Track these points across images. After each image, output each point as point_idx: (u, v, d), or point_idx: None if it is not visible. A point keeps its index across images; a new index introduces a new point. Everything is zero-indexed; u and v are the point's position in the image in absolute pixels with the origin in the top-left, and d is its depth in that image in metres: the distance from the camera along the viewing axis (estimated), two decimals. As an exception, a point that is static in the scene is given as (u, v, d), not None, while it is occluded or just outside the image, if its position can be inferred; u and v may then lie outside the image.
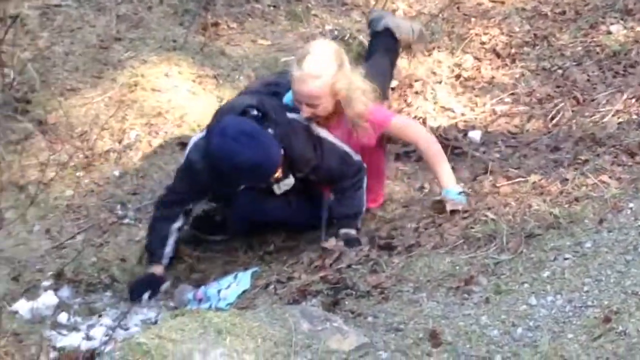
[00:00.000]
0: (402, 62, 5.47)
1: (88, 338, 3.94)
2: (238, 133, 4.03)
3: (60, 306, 4.15)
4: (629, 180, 3.92)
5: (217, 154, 4.07)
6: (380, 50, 5.02)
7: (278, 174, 4.20)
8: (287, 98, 4.41)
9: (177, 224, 4.43)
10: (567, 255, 3.49)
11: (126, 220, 4.80)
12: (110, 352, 3.04)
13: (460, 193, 4.23)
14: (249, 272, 4.24)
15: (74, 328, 4.03)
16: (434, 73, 5.53)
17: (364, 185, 4.44)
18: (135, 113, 5.27)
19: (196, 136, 4.43)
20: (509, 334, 3.14)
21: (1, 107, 5.15)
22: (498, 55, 5.63)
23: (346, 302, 3.67)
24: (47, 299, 4.15)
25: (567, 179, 4.09)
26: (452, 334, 3.18)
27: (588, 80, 5.10)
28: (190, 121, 5.31)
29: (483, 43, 5.74)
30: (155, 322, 3.96)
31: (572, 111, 4.85)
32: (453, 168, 4.47)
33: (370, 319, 3.45)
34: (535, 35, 5.72)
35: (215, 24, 6.08)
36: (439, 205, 4.23)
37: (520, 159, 4.54)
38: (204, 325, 3.03)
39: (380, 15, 5.14)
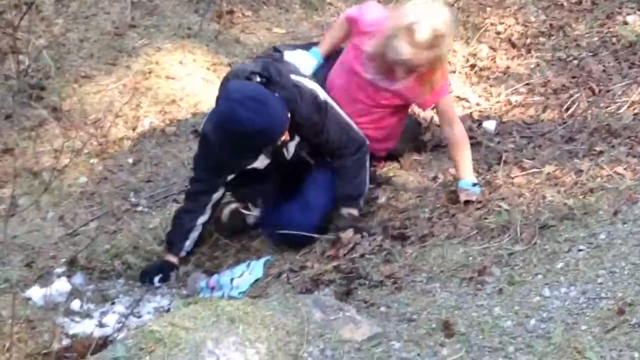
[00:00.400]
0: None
1: (101, 325, 3.95)
2: (243, 97, 3.98)
3: (73, 293, 4.15)
4: (644, 172, 3.90)
5: (224, 118, 4.02)
6: None
7: (285, 136, 4.16)
8: (314, 52, 4.47)
9: (202, 219, 4.43)
10: (581, 247, 3.47)
11: (139, 208, 4.81)
12: (123, 340, 3.04)
13: (474, 185, 4.22)
14: (261, 261, 4.24)
15: (86, 315, 4.04)
16: (449, 62, 5.50)
17: (367, 164, 4.41)
18: (149, 100, 5.28)
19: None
20: (522, 325, 3.12)
21: (16, 93, 5.17)
22: (513, 45, 5.60)
23: (359, 292, 3.67)
24: (60, 286, 4.16)
25: (581, 170, 4.07)
26: (465, 324, 3.17)
27: (604, 70, 5.06)
28: (205, 109, 5.30)
29: (498, 33, 5.71)
30: (168, 310, 3.97)
31: (588, 102, 4.83)
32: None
33: (383, 308, 3.45)
34: (551, 25, 5.69)
35: (230, 12, 6.08)
36: (453, 196, 4.22)
37: (535, 149, 4.52)
38: (216, 314, 3.03)
39: None
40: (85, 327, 3.92)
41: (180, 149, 5.13)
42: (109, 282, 4.33)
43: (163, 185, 4.93)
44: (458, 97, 5.27)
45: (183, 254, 4.43)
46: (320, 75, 4.51)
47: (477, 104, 5.23)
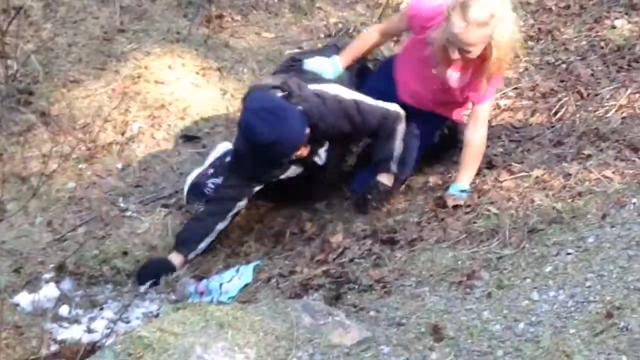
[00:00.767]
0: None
1: (89, 331, 3.94)
2: (261, 108, 4.06)
3: (62, 299, 4.15)
4: (632, 175, 3.91)
5: (243, 128, 4.13)
6: None
7: (302, 151, 4.22)
8: (334, 60, 4.56)
9: (221, 225, 4.47)
10: (569, 250, 3.48)
11: (128, 213, 4.79)
12: (111, 346, 3.04)
13: (463, 191, 4.22)
14: (251, 266, 4.24)
15: (75, 321, 4.03)
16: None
17: (400, 134, 4.44)
18: (138, 105, 5.27)
19: None
20: (511, 329, 3.13)
21: (4, 98, 5.14)
22: (502, 49, 5.60)
23: (348, 296, 3.67)
24: (49, 292, 4.15)
25: (570, 174, 4.08)
26: (454, 328, 3.18)
27: (592, 74, 5.07)
28: (194, 114, 5.30)
29: (487, 37, 5.72)
30: (157, 316, 3.96)
31: (576, 106, 4.83)
32: (455, 162, 4.48)
33: (372, 313, 3.45)
34: (539, 29, 5.69)
35: (219, 16, 6.06)
36: (441, 201, 4.23)
37: (524, 153, 4.53)
38: (205, 319, 3.03)
39: None
40: (74, 333, 3.91)
41: (169, 153, 5.12)
42: (98, 288, 4.32)
43: (152, 190, 4.92)
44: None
45: (192, 255, 4.45)
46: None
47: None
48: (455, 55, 4.14)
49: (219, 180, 4.60)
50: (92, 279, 4.35)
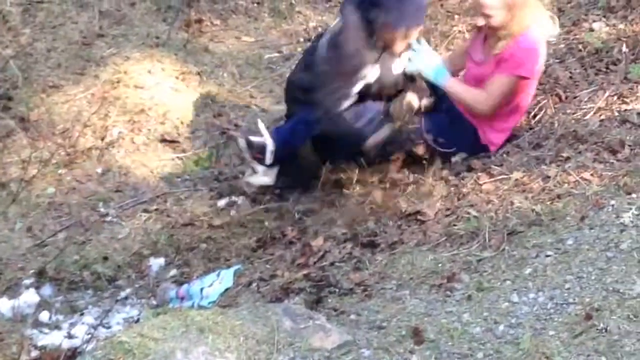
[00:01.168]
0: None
1: (70, 336, 3.93)
2: None
3: (42, 304, 4.14)
4: (610, 178, 3.93)
5: None
6: None
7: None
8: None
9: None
10: (548, 253, 3.50)
11: (109, 218, 4.79)
12: (92, 351, 3.02)
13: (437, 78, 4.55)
14: (231, 270, 4.23)
15: (55, 326, 4.02)
16: (417, 70, 5.52)
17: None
18: (117, 110, 5.26)
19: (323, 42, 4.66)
20: (491, 331, 3.14)
21: (-17, 104, 5.13)
22: (481, 52, 5.62)
23: (329, 300, 3.68)
24: (29, 297, 4.13)
25: (549, 176, 4.10)
26: (435, 331, 3.18)
27: (570, 77, 5.10)
28: (174, 118, 5.30)
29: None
30: (138, 321, 3.95)
31: (554, 108, 4.85)
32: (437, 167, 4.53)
33: (353, 316, 3.45)
34: (518, 32, 5.71)
35: (199, 21, 6.06)
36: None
37: (503, 156, 4.54)
38: (186, 324, 3.02)
39: None
40: (54, 339, 3.90)
41: (149, 158, 5.12)
42: (78, 293, 4.31)
43: (132, 195, 4.92)
44: (427, 104, 5.28)
45: None
46: None
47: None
48: (480, 21, 4.45)
49: None
50: (73, 285, 4.33)
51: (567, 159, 4.22)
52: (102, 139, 5.15)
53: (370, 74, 4.53)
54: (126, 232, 4.63)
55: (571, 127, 4.53)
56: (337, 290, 3.74)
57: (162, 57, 5.61)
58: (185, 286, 4.22)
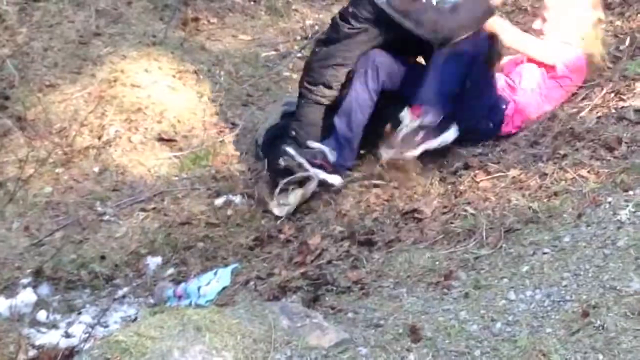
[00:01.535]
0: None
1: (67, 336, 3.93)
2: None
3: (39, 304, 4.13)
4: (607, 175, 3.93)
5: None
6: None
7: None
8: None
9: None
10: (545, 250, 3.50)
11: (106, 217, 4.78)
12: (89, 350, 3.02)
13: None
14: (229, 269, 4.23)
15: (53, 326, 4.02)
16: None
17: None
18: (114, 109, 5.26)
19: None
20: (488, 328, 3.14)
21: (-21, 103, 5.13)
22: (478, 50, 5.62)
23: (326, 298, 3.67)
24: (26, 297, 4.13)
25: (546, 174, 4.10)
26: (432, 329, 3.18)
27: (567, 74, 5.10)
28: (170, 117, 5.30)
29: (463, 38, 5.73)
30: (135, 320, 3.95)
31: (552, 106, 4.86)
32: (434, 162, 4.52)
33: (350, 314, 3.45)
34: (515, 29, 5.71)
35: (196, 19, 6.07)
36: None
37: (500, 153, 4.55)
38: (183, 323, 3.02)
39: None
40: (52, 338, 3.90)
41: (146, 157, 5.11)
42: (75, 292, 4.30)
43: (129, 194, 4.91)
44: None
45: None
46: None
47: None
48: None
49: None
50: (70, 284, 4.33)
51: (564, 156, 4.22)
52: (99, 138, 5.15)
53: None
54: (123, 231, 4.63)
55: (568, 124, 4.52)
56: (334, 288, 3.74)
57: (159, 55, 5.61)
58: (182, 285, 4.22)
